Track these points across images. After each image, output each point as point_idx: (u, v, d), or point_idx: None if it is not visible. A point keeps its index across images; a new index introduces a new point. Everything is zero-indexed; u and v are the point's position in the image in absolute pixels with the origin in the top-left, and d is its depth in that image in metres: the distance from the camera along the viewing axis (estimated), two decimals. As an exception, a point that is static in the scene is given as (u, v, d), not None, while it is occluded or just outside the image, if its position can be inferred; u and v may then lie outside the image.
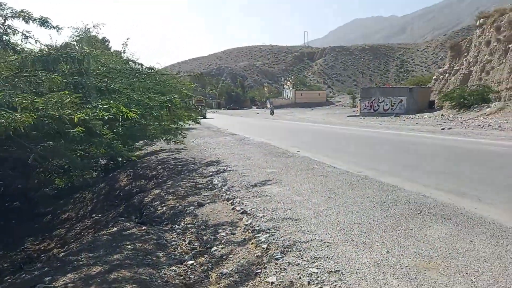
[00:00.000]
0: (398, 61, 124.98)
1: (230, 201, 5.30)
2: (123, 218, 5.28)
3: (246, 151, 10.75)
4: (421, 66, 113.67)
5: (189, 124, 13.67)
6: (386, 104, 34.04)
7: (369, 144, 12.58)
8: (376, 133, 16.69)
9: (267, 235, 3.74)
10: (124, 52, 9.75)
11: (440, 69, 39.73)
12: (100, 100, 4.68)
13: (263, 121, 31.27)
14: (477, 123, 19.77)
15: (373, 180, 6.09)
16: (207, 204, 5.39)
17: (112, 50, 13.44)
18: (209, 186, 6.45)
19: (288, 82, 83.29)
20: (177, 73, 13.69)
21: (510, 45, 23.80)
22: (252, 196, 5.41)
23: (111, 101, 4.62)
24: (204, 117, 43.36)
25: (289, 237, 3.65)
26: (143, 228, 4.40)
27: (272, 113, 45.51)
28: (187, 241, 4.07)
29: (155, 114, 5.90)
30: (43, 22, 4.66)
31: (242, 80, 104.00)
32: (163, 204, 5.69)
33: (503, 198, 4.86)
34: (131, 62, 7.38)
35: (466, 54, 32.13)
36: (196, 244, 3.99)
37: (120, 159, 10.52)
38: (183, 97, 9.38)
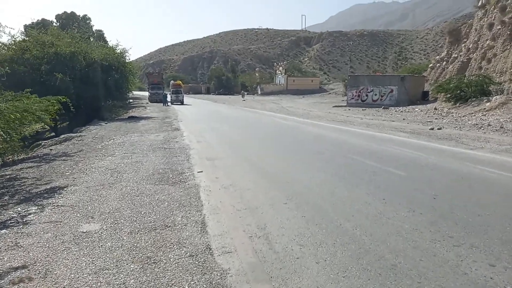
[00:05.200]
0: (397, 48, 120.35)
1: None
2: None
3: (138, 165, 7.68)
4: (420, 54, 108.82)
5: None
6: (375, 94, 30.49)
7: (319, 157, 9.06)
8: (347, 133, 13.25)
9: None
10: None
11: (437, 57, 36.09)
12: None
13: (234, 111, 27.64)
14: (475, 121, 16.38)
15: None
16: None
17: None
18: None
19: (281, 68, 78.29)
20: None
21: (517, 29, 20.20)
22: None
23: None
24: (182, 103, 40.13)
25: None
26: None
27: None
28: None
29: None
30: None
31: (234, 64, 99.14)
32: None
33: None
34: None
35: (465, 40, 28.49)
36: None
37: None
38: None
